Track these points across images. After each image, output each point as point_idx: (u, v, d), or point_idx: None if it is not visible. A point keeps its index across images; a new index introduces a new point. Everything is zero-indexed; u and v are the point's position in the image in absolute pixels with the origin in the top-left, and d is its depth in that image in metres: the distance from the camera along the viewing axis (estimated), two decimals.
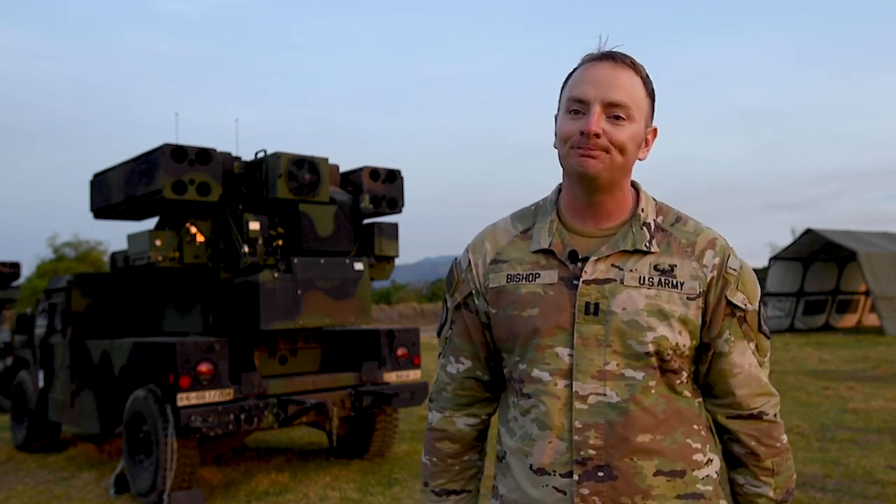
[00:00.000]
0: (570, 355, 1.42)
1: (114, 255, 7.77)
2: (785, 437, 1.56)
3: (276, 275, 6.03)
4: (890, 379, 11.66)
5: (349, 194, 6.84)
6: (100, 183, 7.10)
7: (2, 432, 9.28)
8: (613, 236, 1.46)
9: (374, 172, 6.91)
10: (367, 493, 5.81)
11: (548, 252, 1.48)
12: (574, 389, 1.41)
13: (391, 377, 6.77)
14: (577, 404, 1.41)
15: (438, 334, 1.66)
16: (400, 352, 6.83)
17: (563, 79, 1.51)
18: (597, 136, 1.38)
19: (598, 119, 1.38)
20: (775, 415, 1.54)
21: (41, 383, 7.74)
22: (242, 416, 5.65)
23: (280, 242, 6.34)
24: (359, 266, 6.51)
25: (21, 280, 16.43)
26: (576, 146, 1.41)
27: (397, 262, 7.16)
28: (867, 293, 23.70)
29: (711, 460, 1.48)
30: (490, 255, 1.55)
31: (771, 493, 1.52)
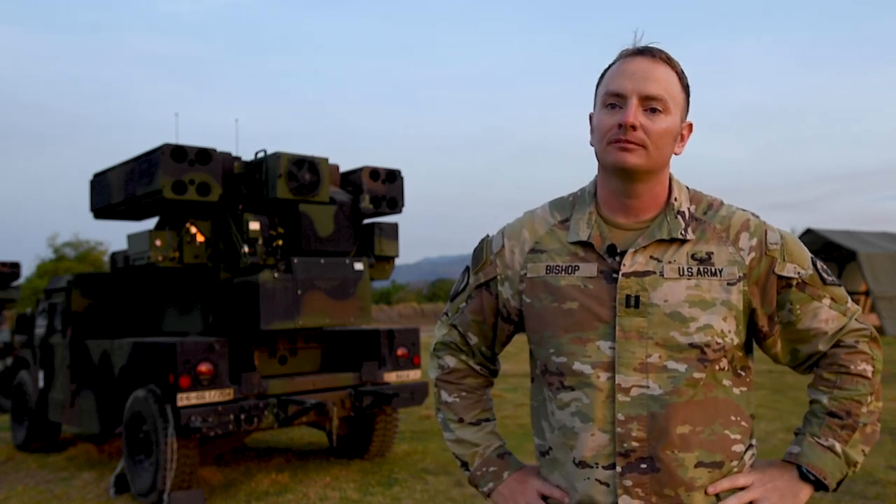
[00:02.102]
0: (612, 348, 1.43)
1: (114, 255, 7.77)
2: (871, 372, 1.49)
3: (276, 275, 6.03)
4: (890, 379, 11.65)
5: (349, 194, 6.83)
6: (100, 183, 7.10)
7: (2, 432, 9.27)
8: (649, 228, 1.47)
9: (374, 172, 6.91)
10: (367, 493, 5.81)
11: (586, 245, 1.49)
12: (616, 382, 1.42)
13: (391, 377, 6.77)
14: (620, 397, 1.42)
15: (452, 299, 1.67)
16: (400, 352, 6.83)
17: (598, 76, 1.52)
18: (633, 128, 1.40)
19: (635, 111, 1.40)
20: (868, 350, 1.50)
21: (41, 383, 7.74)
22: (242, 416, 5.64)
23: (280, 242, 6.33)
24: (359, 266, 6.51)
25: (21, 280, 16.43)
26: (613, 140, 1.42)
27: (397, 262, 7.16)
28: (867, 293, 23.70)
29: (749, 447, 1.51)
30: (528, 243, 1.55)
31: (825, 400, 1.49)
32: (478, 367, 1.68)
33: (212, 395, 5.59)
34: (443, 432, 1.69)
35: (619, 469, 1.41)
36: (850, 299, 1.52)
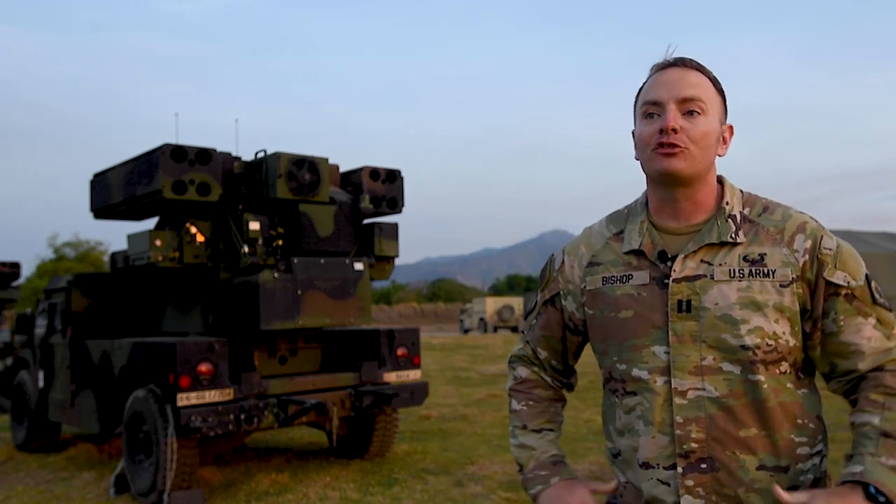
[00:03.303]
0: (667, 353, 1.45)
1: (114, 255, 7.77)
2: None
3: (276, 275, 6.03)
4: None
5: (349, 194, 6.83)
6: (100, 183, 7.10)
7: (2, 432, 9.28)
8: (699, 232, 1.49)
9: (374, 172, 6.91)
10: (367, 493, 5.81)
11: (638, 253, 1.53)
12: (673, 385, 1.45)
13: (391, 377, 6.77)
14: (677, 400, 1.44)
15: (525, 318, 1.77)
16: (400, 352, 6.83)
17: (634, 94, 1.56)
18: (675, 131, 1.43)
19: (674, 115, 1.44)
20: None
21: (41, 383, 7.74)
22: (242, 416, 5.64)
23: (280, 242, 6.34)
24: (359, 266, 6.51)
25: (21, 280, 16.42)
26: (656, 147, 1.46)
27: (397, 262, 7.16)
28: None
29: (818, 452, 1.50)
30: (586, 258, 1.62)
31: (876, 421, 1.42)
32: (549, 379, 1.75)
33: (212, 395, 5.60)
34: (510, 439, 1.74)
35: (679, 469, 1.44)
36: None
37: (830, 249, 1.46)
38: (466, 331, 36.67)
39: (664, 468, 1.46)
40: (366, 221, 6.96)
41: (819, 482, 1.50)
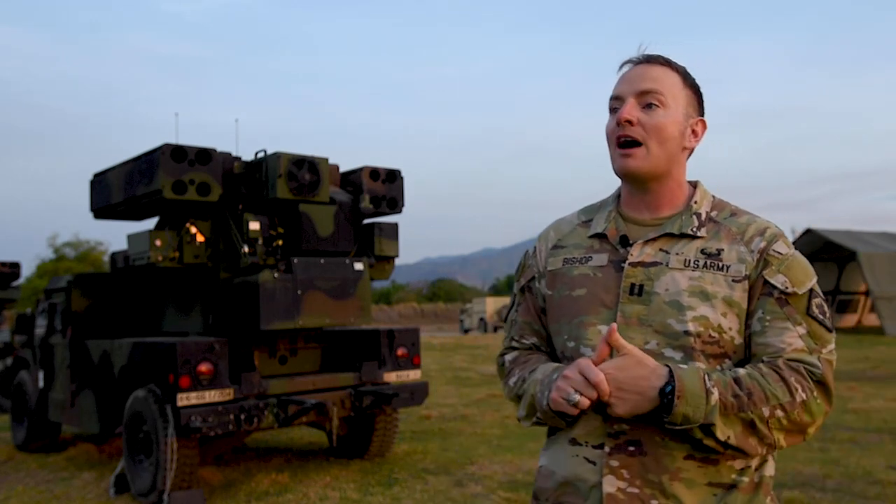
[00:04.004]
0: None
1: (114, 255, 7.77)
2: (805, 394, 1.37)
3: (276, 275, 6.03)
4: (890, 379, 11.66)
5: (349, 194, 6.83)
6: (100, 183, 7.10)
7: (2, 432, 9.28)
8: (663, 224, 1.52)
9: (374, 172, 6.91)
10: (367, 493, 5.81)
11: (601, 236, 1.56)
12: None
13: (391, 377, 6.77)
14: None
15: (505, 319, 1.75)
16: (400, 352, 6.83)
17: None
18: (629, 122, 1.46)
19: (630, 107, 1.47)
20: (812, 387, 1.38)
21: (41, 383, 7.74)
22: (242, 416, 5.64)
23: (280, 242, 6.33)
24: (359, 266, 6.51)
25: (21, 280, 16.43)
26: (615, 142, 1.49)
27: (397, 262, 7.16)
28: (867, 293, 23.70)
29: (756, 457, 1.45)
30: (552, 241, 1.66)
31: (742, 370, 1.37)
32: (543, 356, 1.65)
33: (212, 395, 5.59)
34: (520, 401, 1.59)
35: (607, 449, 1.43)
36: (831, 349, 1.43)
37: (781, 253, 1.46)
38: (466, 331, 36.68)
39: (593, 446, 1.45)
40: (366, 221, 6.96)
41: (758, 487, 1.44)
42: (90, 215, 7.35)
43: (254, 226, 6.15)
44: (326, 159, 6.46)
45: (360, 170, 6.90)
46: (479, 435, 8.05)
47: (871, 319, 24.92)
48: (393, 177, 7.02)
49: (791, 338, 1.41)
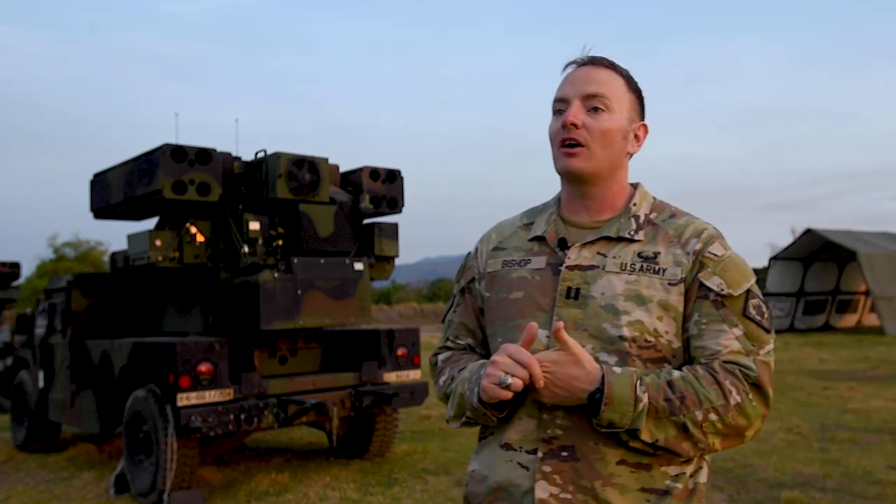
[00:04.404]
0: (548, 336, 1.45)
1: (114, 255, 7.77)
2: (738, 398, 1.36)
3: (276, 275, 6.03)
4: (890, 379, 11.66)
5: (349, 194, 6.83)
6: (100, 183, 7.10)
7: (2, 432, 9.27)
8: (601, 227, 1.52)
9: (374, 172, 6.91)
10: (367, 493, 5.81)
11: (541, 239, 1.55)
12: None
13: (391, 377, 6.77)
14: None
15: (443, 319, 1.74)
16: (400, 352, 6.83)
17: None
18: (575, 126, 1.46)
19: (576, 111, 1.47)
20: (747, 389, 1.38)
21: (41, 383, 7.74)
22: (242, 416, 5.64)
23: (280, 242, 6.33)
24: (359, 266, 6.51)
25: (21, 280, 16.42)
26: (560, 143, 1.49)
27: (397, 262, 7.16)
28: (867, 293, 23.69)
29: (690, 461, 1.44)
30: (494, 242, 1.65)
31: (676, 373, 1.37)
32: (477, 352, 1.66)
33: (212, 395, 5.59)
34: (449, 400, 1.58)
35: (540, 454, 1.42)
36: (769, 350, 1.42)
37: (716, 255, 1.45)
38: None
39: (526, 451, 1.44)
40: (366, 221, 6.96)
41: (692, 494, 1.44)
42: (90, 215, 7.35)
43: (254, 226, 6.15)
44: (326, 159, 6.46)
45: (360, 170, 6.90)
46: (478, 435, 8.05)
47: (871, 319, 24.91)
48: (393, 177, 7.02)
49: (727, 340, 1.40)
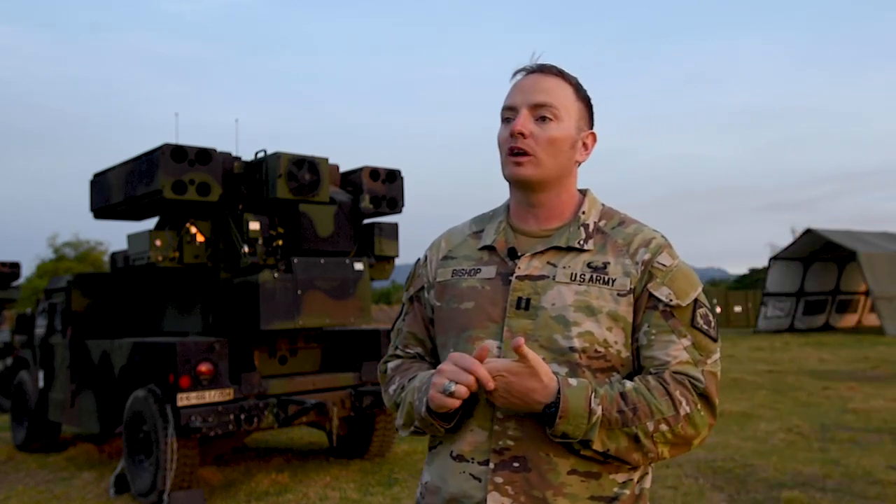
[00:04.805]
0: (499, 347, 1.45)
1: (114, 255, 7.77)
2: (688, 409, 1.39)
3: (276, 275, 6.03)
4: (890, 379, 11.66)
5: (349, 194, 6.83)
6: (100, 183, 7.10)
7: (2, 432, 9.28)
8: (551, 236, 1.51)
9: (374, 172, 6.91)
10: (367, 493, 5.81)
11: (491, 249, 1.55)
12: None
13: None
14: None
15: (392, 327, 1.72)
16: None
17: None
18: (523, 135, 1.46)
19: (524, 120, 1.47)
20: (696, 400, 1.40)
21: (41, 383, 7.74)
22: (242, 416, 5.64)
23: (280, 242, 6.33)
24: (359, 266, 6.51)
25: (21, 280, 16.43)
26: (508, 151, 1.48)
27: (397, 262, 7.16)
28: (867, 293, 23.70)
29: (637, 468, 1.45)
30: (443, 251, 1.63)
31: (629, 384, 1.39)
32: (427, 361, 1.64)
33: (212, 395, 5.60)
34: (396, 420, 1.59)
35: (492, 465, 1.42)
36: (716, 360, 1.44)
37: (664, 265, 1.46)
38: None
39: (478, 463, 1.44)
40: (366, 221, 6.96)
41: (637, 499, 1.46)
42: (90, 215, 7.35)
43: (254, 226, 6.15)
44: (326, 159, 6.46)
45: (360, 170, 6.90)
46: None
47: (871, 319, 24.92)
48: (393, 177, 7.02)
49: (676, 350, 1.42)
